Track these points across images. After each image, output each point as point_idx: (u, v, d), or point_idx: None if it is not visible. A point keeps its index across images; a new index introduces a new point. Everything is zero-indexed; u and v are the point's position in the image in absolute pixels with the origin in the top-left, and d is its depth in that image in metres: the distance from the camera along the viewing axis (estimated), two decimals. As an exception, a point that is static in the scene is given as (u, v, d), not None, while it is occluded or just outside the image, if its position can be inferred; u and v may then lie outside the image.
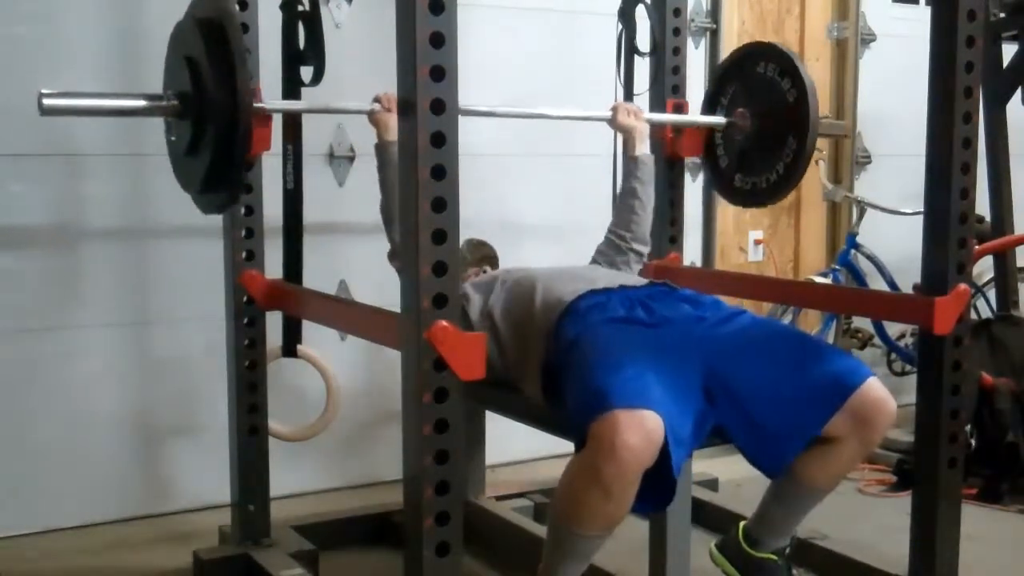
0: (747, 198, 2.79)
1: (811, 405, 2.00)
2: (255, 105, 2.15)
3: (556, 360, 2.10)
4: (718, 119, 2.79)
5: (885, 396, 2.03)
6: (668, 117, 2.87)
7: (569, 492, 1.87)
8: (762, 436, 2.00)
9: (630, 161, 2.68)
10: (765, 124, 2.69)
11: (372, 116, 2.42)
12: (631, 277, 2.45)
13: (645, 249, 2.69)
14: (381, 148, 2.40)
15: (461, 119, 1.65)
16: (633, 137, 2.68)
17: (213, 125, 2.01)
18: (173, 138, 2.19)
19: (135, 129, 2.94)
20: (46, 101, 1.96)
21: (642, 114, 2.72)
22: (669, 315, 2.15)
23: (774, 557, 2.19)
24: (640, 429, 1.76)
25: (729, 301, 3.46)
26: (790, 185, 2.63)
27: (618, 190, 2.77)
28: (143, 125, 2.96)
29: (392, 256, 2.43)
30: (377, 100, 2.41)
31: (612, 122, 2.70)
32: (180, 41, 2.13)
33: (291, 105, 2.39)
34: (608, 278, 2.32)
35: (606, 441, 1.76)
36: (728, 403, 2.00)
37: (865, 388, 2.01)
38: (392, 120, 2.31)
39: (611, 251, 2.65)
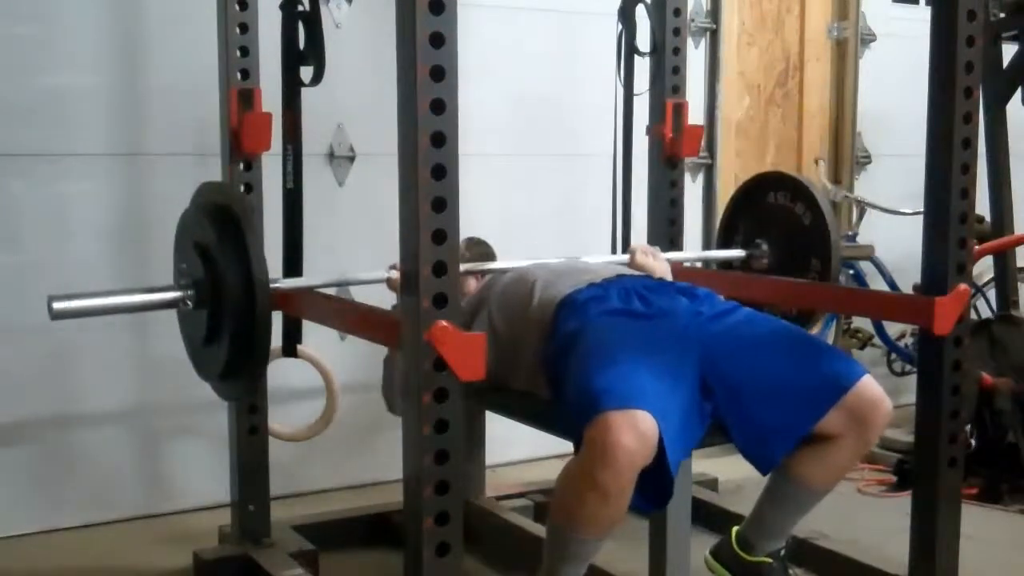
0: None
1: (804, 403, 2.01)
2: (272, 285, 2.07)
3: (556, 352, 2.10)
4: (737, 253, 2.81)
5: (880, 395, 2.03)
6: (684, 255, 2.86)
7: (566, 496, 1.88)
8: (755, 431, 2.01)
9: None
10: (785, 251, 2.71)
11: (390, 283, 2.34)
12: (628, 269, 2.45)
13: None
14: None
15: (461, 119, 1.64)
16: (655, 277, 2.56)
17: (231, 319, 1.97)
18: (188, 328, 2.15)
19: (135, 129, 2.94)
20: (56, 305, 1.86)
21: (659, 253, 2.64)
22: (666, 306, 2.15)
23: (769, 560, 2.18)
24: (633, 429, 1.76)
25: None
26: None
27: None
28: (141, 126, 2.97)
29: (391, 408, 2.41)
30: (394, 267, 2.31)
31: (631, 264, 2.60)
32: (189, 228, 2.07)
33: (299, 283, 2.33)
34: (605, 270, 2.32)
35: (600, 443, 1.76)
36: (724, 396, 2.00)
37: (860, 387, 2.01)
38: None
39: None
